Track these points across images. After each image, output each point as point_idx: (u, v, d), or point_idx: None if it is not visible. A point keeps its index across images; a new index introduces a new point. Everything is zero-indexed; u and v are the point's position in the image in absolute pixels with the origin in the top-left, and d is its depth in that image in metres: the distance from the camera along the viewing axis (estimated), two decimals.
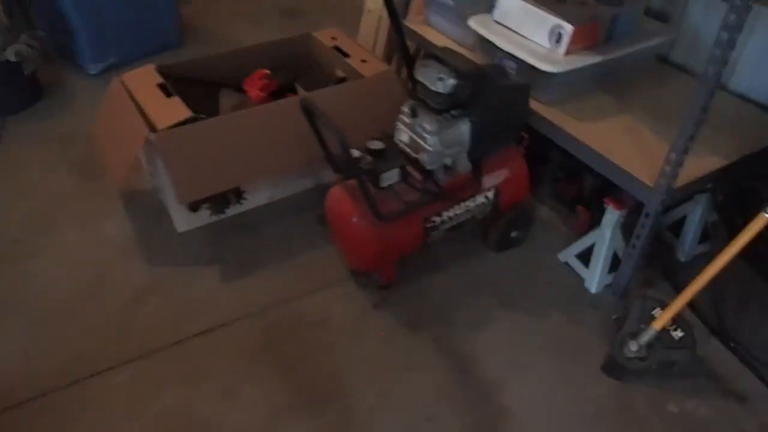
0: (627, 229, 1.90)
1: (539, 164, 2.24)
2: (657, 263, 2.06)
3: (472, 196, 1.92)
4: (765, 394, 1.71)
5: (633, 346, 1.66)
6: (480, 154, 1.87)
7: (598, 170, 1.87)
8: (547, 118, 1.97)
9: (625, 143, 1.87)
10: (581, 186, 2.21)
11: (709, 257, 1.55)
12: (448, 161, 1.83)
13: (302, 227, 2.19)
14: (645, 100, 2.09)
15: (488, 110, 1.78)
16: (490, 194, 1.96)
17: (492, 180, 1.95)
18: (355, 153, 1.69)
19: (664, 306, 1.66)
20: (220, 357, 1.78)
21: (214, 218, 2.19)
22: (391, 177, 1.77)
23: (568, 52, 1.95)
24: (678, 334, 1.67)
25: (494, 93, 1.78)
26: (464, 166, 1.87)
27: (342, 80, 2.35)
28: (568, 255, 2.08)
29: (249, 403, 1.67)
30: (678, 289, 1.72)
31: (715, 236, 2.06)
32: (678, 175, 1.66)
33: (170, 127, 1.87)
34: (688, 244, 2.07)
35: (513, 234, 2.11)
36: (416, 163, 1.81)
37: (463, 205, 1.91)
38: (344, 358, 1.79)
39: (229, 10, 3.81)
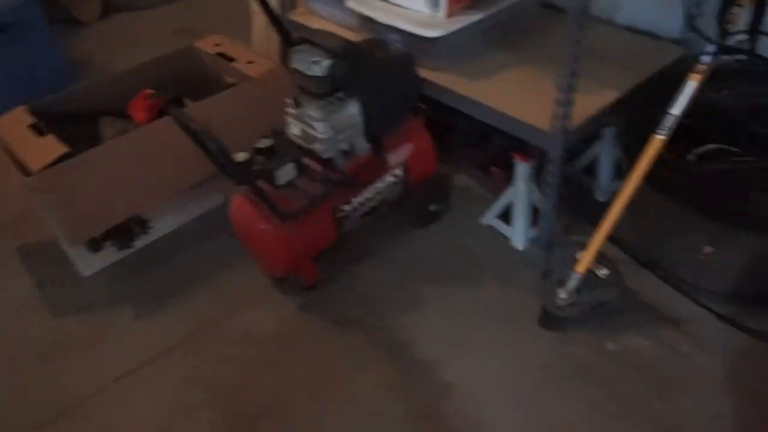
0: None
1: (447, 133, 2.19)
2: (578, 208, 2.04)
3: (380, 176, 1.85)
4: (700, 315, 1.71)
5: (562, 294, 1.62)
6: (376, 131, 1.81)
7: (497, 126, 1.83)
8: (439, 83, 1.92)
9: (519, 94, 1.84)
10: (491, 146, 2.17)
11: None
12: (344, 146, 1.76)
13: (217, 247, 2.07)
14: (534, 47, 2.07)
15: (372, 86, 1.71)
16: (399, 171, 1.90)
17: (397, 157, 1.89)
18: (241, 156, 1.60)
19: (584, 248, 1.63)
20: (148, 396, 1.67)
21: (121, 254, 2.06)
22: (287, 173, 1.68)
23: (449, 14, 1.91)
24: (603, 272, 1.64)
25: (375, 67, 1.72)
26: (363, 147, 1.81)
27: (232, 86, 2.24)
28: (490, 217, 2.04)
29: None
30: None
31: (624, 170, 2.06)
32: (571, 115, 1.63)
33: (45, 168, 1.74)
34: (603, 183, 2.06)
35: (432, 208, 2.05)
36: (312, 154, 1.73)
37: (372, 188, 1.85)
38: (279, 370, 1.71)
39: (124, 38, 3.64)
